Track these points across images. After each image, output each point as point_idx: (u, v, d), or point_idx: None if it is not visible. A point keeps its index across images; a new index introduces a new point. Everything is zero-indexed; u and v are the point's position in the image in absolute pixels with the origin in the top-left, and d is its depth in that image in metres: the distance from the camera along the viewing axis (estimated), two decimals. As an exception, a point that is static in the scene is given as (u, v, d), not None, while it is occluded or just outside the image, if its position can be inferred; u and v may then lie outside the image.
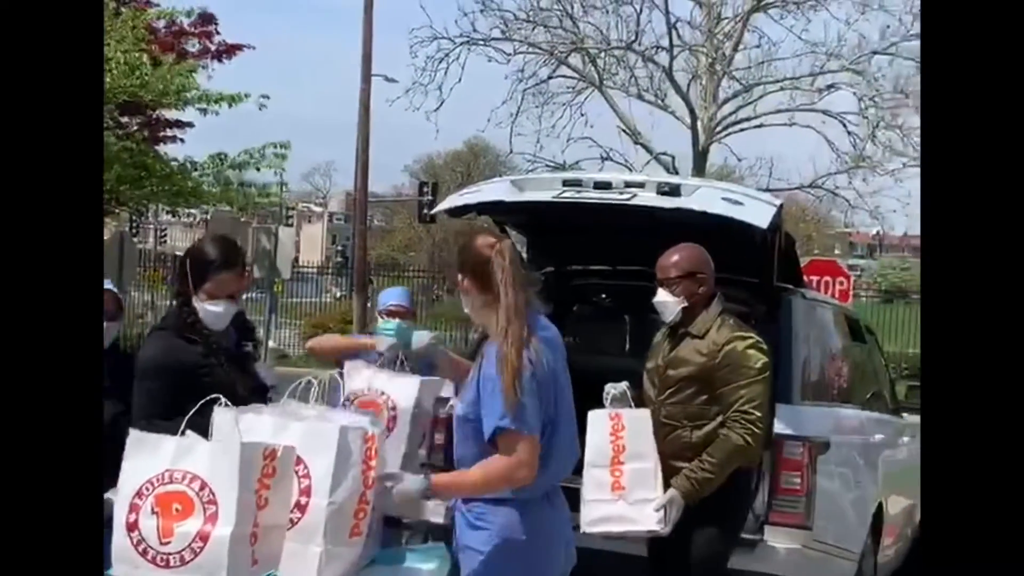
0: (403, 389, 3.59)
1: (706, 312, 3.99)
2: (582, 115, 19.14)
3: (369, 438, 2.74)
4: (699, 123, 18.62)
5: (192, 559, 2.33)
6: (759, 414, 3.82)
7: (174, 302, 3.55)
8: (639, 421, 3.91)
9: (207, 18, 13.77)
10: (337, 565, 2.67)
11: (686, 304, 3.99)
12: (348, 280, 27.49)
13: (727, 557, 4.00)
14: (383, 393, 3.57)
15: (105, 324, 3.42)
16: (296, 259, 28.10)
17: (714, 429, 3.88)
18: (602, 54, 19.00)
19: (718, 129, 19.07)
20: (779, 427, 4.40)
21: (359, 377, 3.63)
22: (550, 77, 19.32)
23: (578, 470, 3.56)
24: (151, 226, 38.60)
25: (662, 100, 19.08)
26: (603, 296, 6.07)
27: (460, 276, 3.07)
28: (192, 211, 13.48)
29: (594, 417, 3.92)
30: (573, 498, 4.37)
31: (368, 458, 2.72)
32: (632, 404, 3.99)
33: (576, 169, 19.37)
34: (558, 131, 19.14)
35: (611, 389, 4.00)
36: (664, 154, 19.25)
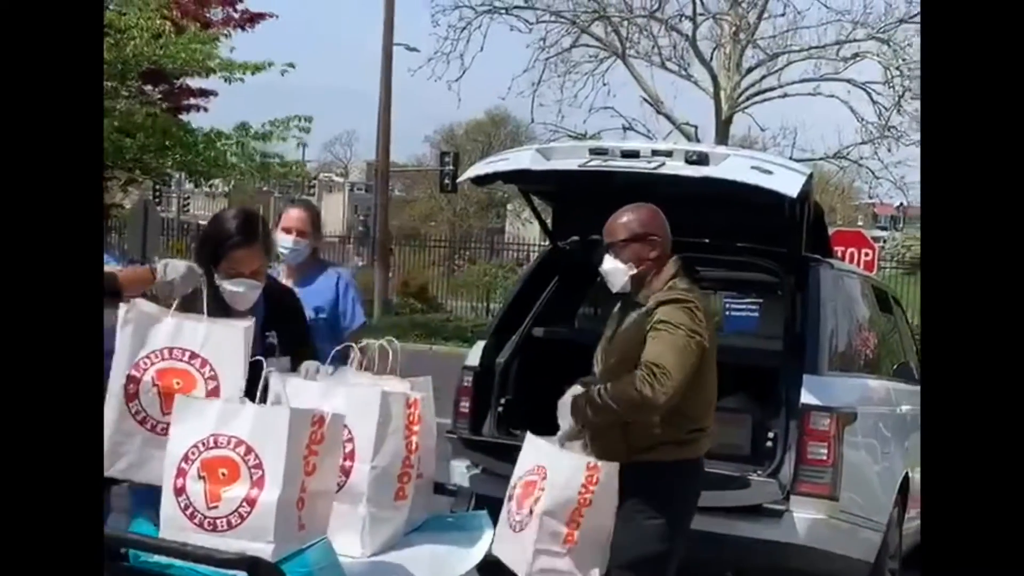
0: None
1: (656, 279, 3.41)
2: (604, 84, 19.11)
3: (412, 403, 2.77)
4: (722, 93, 18.49)
5: (239, 523, 2.34)
6: (666, 366, 3.16)
7: None
8: (612, 475, 3.24)
9: (231, -15, 13.79)
10: (383, 527, 2.70)
11: (635, 271, 3.42)
12: (370, 250, 27.55)
13: (667, 556, 3.38)
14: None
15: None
16: (318, 229, 28.00)
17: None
18: (625, 23, 18.87)
19: (741, 99, 18.94)
20: (806, 397, 4.39)
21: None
22: (572, 46, 19.27)
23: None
24: (174, 195, 38.71)
25: (685, 69, 18.98)
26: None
27: None
28: (215, 181, 13.46)
29: (568, 462, 3.25)
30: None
31: (411, 423, 2.75)
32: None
33: (597, 139, 19.35)
34: (580, 101, 19.13)
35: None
36: (687, 124, 19.17)
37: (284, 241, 4.19)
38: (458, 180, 5.38)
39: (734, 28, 18.36)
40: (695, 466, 3.47)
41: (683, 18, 18.48)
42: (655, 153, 4.45)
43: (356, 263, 33.21)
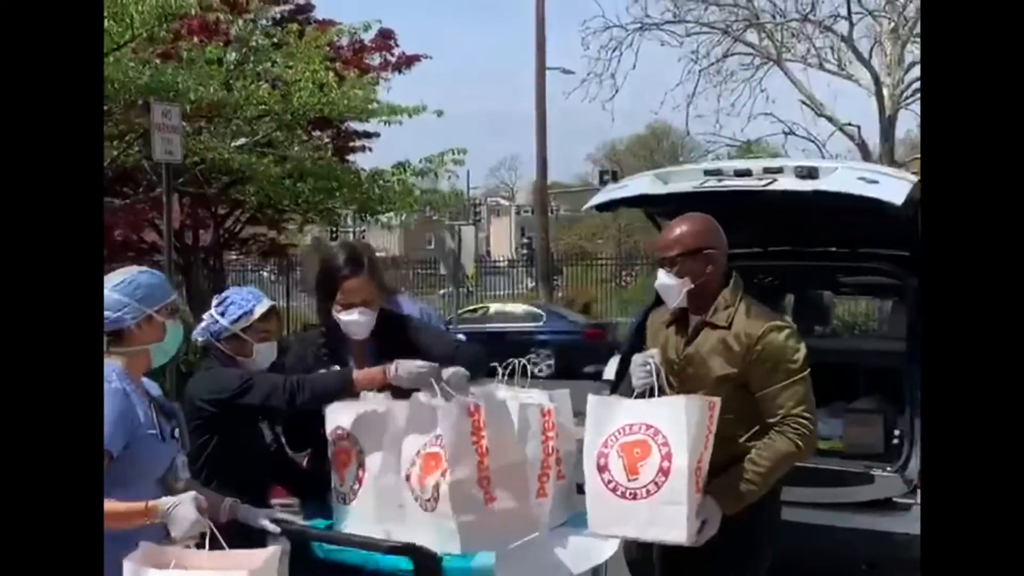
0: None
1: (723, 296, 3.22)
2: (762, 91, 19.03)
3: (547, 412, 3.15)
4: (884, 90, 18.07)
5: (434, 508, 2.83)
6: (811, 416, 3.10)
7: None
8: (717, 405, 3.06)
9: (386, 34, 14.58)
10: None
11: (692, 287, 3.21)
12: (536, 270, 28.16)
13: None
14: None
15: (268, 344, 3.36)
16: (488, 253, 28.87)
17: (744, 447, 3.14)
18: (778, 28, 18.74)
19: (906, 95, 18.44)
20: (929, 395, 4.50)
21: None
22: (726, 55, 19.26)
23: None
24: (351, 231, 40.48)
25: (844, 69, 18.66)
26: (759, 278, 6.26)
27: None
28: (386, 216, 14.21)
29: (696, 407, 2.97)
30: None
31: (547, 429, 3.14)
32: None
33: (760, 145, 19.30)
34: (738, 109, 19.14)
35: (651, 362, 3.19)
36: (849, 124, 18.83)
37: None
38: (584, 208, 5.64)
39: (892, 24, 17.95)
40: (771, 513, 3.32)
41: (838, 18, 18.22)
42: (766, 171, 4.69)
43: (527, 284, 33.78)
